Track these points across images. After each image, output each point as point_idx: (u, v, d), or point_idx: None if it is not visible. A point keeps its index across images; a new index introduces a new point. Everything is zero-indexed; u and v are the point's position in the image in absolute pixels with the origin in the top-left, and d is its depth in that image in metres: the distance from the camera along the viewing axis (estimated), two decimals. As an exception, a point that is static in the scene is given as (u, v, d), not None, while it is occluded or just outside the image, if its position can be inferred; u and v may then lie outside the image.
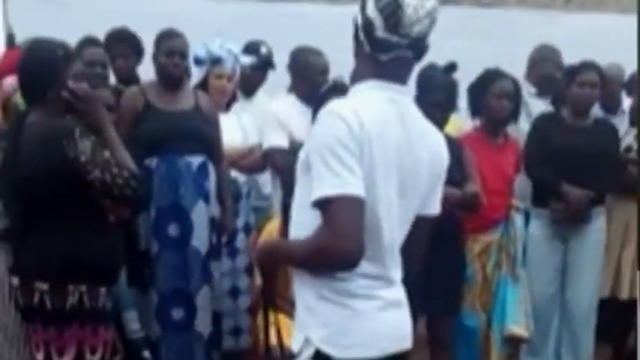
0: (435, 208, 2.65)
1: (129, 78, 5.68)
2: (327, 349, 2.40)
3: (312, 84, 5.35)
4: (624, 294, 5.73)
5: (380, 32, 2.39)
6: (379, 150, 2.36)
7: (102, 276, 3.67)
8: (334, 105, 2.39)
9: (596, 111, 6.08)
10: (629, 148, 5.73)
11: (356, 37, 2.48)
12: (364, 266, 2.39)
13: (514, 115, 5.26)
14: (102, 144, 3.56)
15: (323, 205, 2.31)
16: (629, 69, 6.23)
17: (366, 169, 2.34)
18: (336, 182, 2.28)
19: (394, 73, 2.47)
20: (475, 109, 5.28)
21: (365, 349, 2.43)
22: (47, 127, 3.57)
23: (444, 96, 4.77)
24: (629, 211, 5.58)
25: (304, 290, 2.47)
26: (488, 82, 5.17)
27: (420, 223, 2.60)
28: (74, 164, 3.48)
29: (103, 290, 3.66)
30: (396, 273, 2.55)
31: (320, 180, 2.31)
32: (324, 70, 5.53)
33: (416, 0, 2.36)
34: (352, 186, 2.29)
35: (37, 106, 3.68)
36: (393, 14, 2.36)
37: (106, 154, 3.54)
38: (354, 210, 2.29)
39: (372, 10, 2.39)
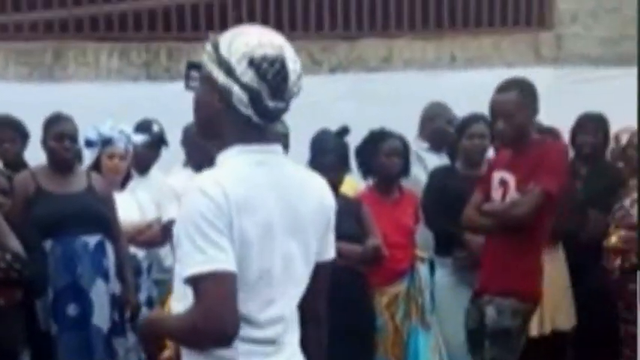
0: (330, 253, 2.60)
1: (16, 162, 5.63)
2: None
3: (206, 154, 5.35)
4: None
5: (268, 101, 2.31)
6: (251, 217, 2.30)
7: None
8: (199, 179, 2.32)
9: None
10: None
11: (225, 103, 2.35)
12: (251, 332, 2.33)
13: (405, 171, 5.44)
14: None
15: (192, 282, 2.25)
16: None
17: (239, 240, 2.28)
18: (202, 259, 2.22)
19: (260, 134, 2.39)
20: (366, 170, 5.43)
21: None
22: None
23: (336, 158, 4.89)
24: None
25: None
26: (376, 141, 5.33)
27: (320, 271, 2.55)
28: None
29: None
30: (292, 336, 2.48)
31: (187, 258, 2.25)
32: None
33: (293, 64, 2.34)
34: (219, 261, 2.23)
35: None
36: (281, 83, 2.30)
37: None
38: (223, 286, 2.23)
39: (254, 80, 2.29)
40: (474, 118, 5.59)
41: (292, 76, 2.32)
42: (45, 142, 4.98)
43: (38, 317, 4.68)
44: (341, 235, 4.59)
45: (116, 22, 8.10)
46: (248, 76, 2.29)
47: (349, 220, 4.86)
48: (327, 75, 8.10)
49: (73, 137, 4.98)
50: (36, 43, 7.90)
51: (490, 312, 4.51)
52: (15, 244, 3.54)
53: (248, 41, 2.31)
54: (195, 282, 2.23)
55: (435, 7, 8.57)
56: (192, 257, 2.23)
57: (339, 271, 4.52)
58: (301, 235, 2.43)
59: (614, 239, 5.07)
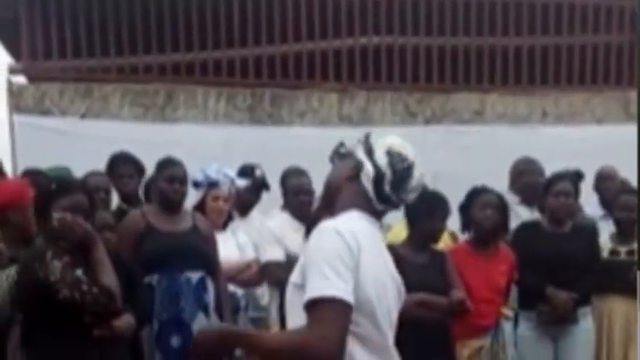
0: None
1: (133, 197, 5.99)
2: None
3: (301, 203, 5.79)
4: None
5: (387, 187, 2.68)
6: (369, 258, 2.60)
7: None
8: (330, 223, 2.63)
9: (595, 208, 6.44)
10: (614, 252, 5.95)
11: (356, 174, 2.73)
12: None
13: (503, 227, 5.46)
14: (75, 264, 3.81)
15: (311, 306, 2.45)
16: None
17: (362, 278, 2.54)
18: (325, 285, 2.44)
19: (371, 210, 2.74)
20: (464, 224, 5.51)
21: None
22: (27, 251, 3.92)
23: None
24: (627, 309, 5.80)
25: None
26: (473, 196, 5.42)
27: None
28: (44, 283, 3.76)
29: None
30: None
31: (311, 285, 2.47)
32: (305, 190, 5.91)
33: (419, 173, 2.71)
34: (340, 290, 2.44)
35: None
36: (403, 178, 2.69)
37: (78, 272, 3.79)
38: (338, 312, 2.43)
39: (383, 163, 2.68)
40: (561, 176, 5.71)
41: (414, 180, 2.71)
42: (156, 183, 5.27)
43: (143, 348, 4.91)
44: (426, 287, 4.92)
45: (224, 67, 8.46)
46: (382, 160, 2.69)
47: (435, 272, 5.04)
48: (421, 126, 8.28)
49: (183, 180, 5.22)
50: (149, 85, 8.28)
51: None
52: (108, 278, 3.86)
53: (394, 140, 2.73)
54: (314, 304, 2.44)
55: (528, 63, 8.70)
56: (316, 284, 2.47)
57: (424, 320, 4.83)
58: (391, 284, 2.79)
59: None
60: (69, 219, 3.88)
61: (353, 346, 2.54)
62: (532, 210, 6.25)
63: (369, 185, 2.70)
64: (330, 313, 2.43)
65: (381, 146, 2.70)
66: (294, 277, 2.65)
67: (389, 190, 2.69)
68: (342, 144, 2.83)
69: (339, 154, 2.82)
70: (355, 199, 2.73)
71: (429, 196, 4.94)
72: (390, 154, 2.68)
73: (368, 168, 2.70)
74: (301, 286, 2.55)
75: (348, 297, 2.47)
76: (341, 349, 2.46)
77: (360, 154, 2.72)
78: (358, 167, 2.72)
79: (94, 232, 3.98)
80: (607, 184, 6.51)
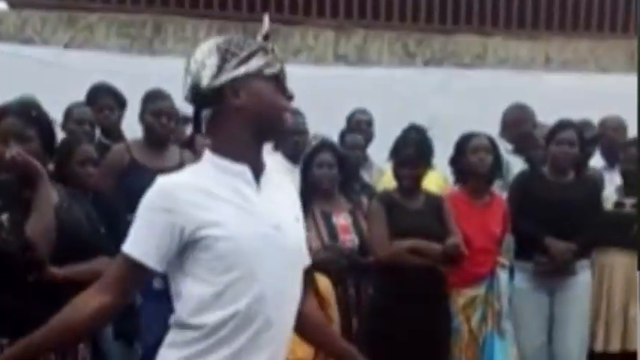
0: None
1: (114, 131, 5.78)
2: None
3: (295, 143, 5.66)
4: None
5: None
6: None
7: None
8: None
9: (597, 161, 6.28)
10: (619, 204, 5.79)
11: None
12: None
13: (496, 172, 5.38)
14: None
15: None
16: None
17: None
18: None
19: None
20: (457, 176, 5.42)
21: None
22: None
23: (417, 153, 4.93)
24: (629, 264, 5.64)
25: None
26: (464, 143, 5.31)
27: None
28: None
29: None
30: None
31: None
32: (299, 130, 5.75)
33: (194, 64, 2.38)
34: None
35: None
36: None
37: (2, 217, 3.45)
38: None
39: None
40: (564, 125, 5.56)
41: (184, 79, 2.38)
42: (142, 117, 5.07)
43: None
44: (421, 232, 4.77)
45: (216, 0, 8.29)
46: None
47: (430, 217, 4.93)
48: (420, 68, 8.13)
49: (170, 115, 5.04)
50: (137, 15, 8.09)
51: None
52: (35, 224, 3.45)
53: None
54: None
55: (532, 7, 8.56)
56: None
57: (418, 269, 4.70)
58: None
59: None
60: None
61: None
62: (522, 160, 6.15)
63: None
64: None
65: None
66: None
67: None
68: None
69: None
70: None
71: (399, 141, 4.97)
72: None
73: None
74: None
75: None
76: None
77: None
78: None
79: (41, 168, 3.60)
80: (611, 135, 6.33)
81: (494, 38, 8.46)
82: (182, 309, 2.35)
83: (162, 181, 2.38)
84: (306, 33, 8.26)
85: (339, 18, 8.35)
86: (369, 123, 6.36)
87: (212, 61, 2.33)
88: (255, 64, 2.34)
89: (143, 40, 8.00)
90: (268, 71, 2.37)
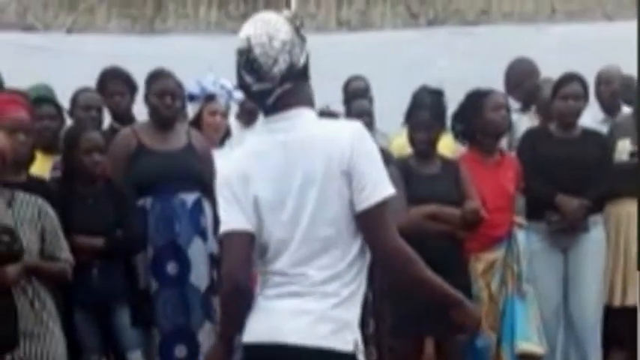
0: (365, 202, 2.53)
1: (126, 116, 5.73)
2: None
3: None
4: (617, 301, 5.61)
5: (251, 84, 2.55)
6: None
7: None
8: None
9: (597, 112, 6.16)
10: (634, 154, 5.65)
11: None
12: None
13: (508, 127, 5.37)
14: None
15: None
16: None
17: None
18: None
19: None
20: (465, 133, 5.30)
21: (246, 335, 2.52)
22: None
23: (432, 116, 4.85)
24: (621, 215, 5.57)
25: None
26: (480, 99, 5.19)
27: (363, 221, 2.53)
28: None
29: None
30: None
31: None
32: None
33: (260, 48, 2.52)
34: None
35: None
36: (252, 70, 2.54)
37: None
38: None
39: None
40: (569, 78, 5.45)
41: (263, 59, 2.50)
42: (147, 98, 5.01)
43: (138, 275, 4.78)
44: (438, 198, 4.72)
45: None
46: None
47: (448, 183, 4.87)
48: (424, 29, 8.02)
49: (175, 94, 4.97)
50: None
51: None
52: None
53: None
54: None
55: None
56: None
57: (435, 236, 4.65)
58: (306, 187, 2.54)
59: None
60: None
61: None
62: (529, 116, 6.08)
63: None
64: None
65: None
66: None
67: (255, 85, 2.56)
68: None
69: None
70: None
71: (412, 104, 4.91)
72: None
73: None
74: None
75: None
76: None
77: None
78: None
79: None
80: (606, 87, 6.19)
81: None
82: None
83: None
84: (308, 0, 8.21)
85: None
86: (366, 89, 6.32)
87: (297, 40, 2.51)
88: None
89: (144, 19, 7.93)
90: None
